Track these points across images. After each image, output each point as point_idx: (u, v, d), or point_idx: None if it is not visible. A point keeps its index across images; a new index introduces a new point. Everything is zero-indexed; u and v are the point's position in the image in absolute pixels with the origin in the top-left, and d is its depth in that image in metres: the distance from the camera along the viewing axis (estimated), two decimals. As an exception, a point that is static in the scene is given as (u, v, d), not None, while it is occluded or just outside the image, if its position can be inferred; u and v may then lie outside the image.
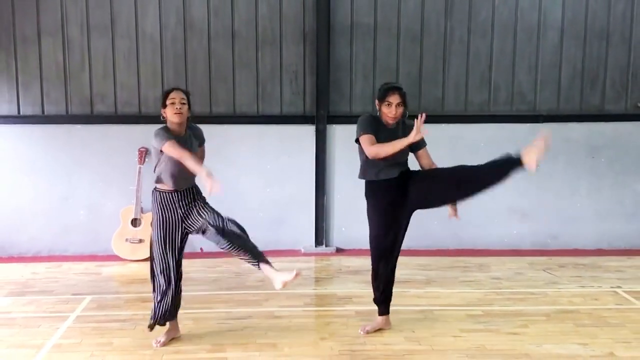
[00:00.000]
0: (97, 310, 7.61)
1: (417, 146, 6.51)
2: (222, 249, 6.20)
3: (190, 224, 6.21)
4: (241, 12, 10.26)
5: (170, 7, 10.16)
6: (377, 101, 6.49)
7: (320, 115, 10.38)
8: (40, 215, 10.35)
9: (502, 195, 10.47)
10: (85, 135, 10.28)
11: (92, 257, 10.20)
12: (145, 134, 10.09)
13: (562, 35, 10.56)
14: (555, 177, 10.71)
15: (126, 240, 9.99)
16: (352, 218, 10.46)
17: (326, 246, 10.66)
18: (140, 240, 9.94)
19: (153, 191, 6.29)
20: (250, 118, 10.29)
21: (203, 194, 6.28)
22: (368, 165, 6.53)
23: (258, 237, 10.45)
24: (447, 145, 9.90)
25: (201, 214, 6.19)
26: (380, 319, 6.85)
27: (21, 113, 10.19)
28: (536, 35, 10.55)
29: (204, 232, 6.20)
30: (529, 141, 10.44)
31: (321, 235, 10.65)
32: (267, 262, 6.23)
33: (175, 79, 10.25)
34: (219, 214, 6.20)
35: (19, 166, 10.25)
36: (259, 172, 10.40)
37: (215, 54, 10.30)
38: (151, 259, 6.34)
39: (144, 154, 10.08)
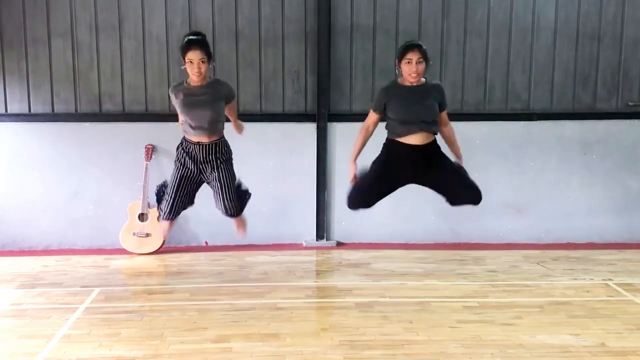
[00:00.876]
0: (105, 302, 7.61)
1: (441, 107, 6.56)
2: None
3: (206, 178, 6.53)
4: (245, 13, 10.25)
5: (176, 8, 10.15)
6: (396, 61, 6.46)
7: (321, 113, 10.37)
8: (50, 210, 10.34)
9: (497, 190, 10.54)
10: (94, 132, 10.27)
11: (100, 251, 10.20)
12: (152, 132, 10.20)
13: (555, 36, 10.54)
14: (548, 173, 10.70)
15: (133, 234, 9.99)
16: (352, 213, 10.45)
17: (327, 240, 10.65)
18: (147, 234, 9.94)
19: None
20: (253, 116, 10.27)
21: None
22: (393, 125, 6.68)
23: (261, 231, 10.55)
24: (444, 143, 9.86)
25: (217, 181, 6.45)
26: None
27: (32, 111, 10.18)
28: (530, 36, 10.53)
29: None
30: (523, 139, 10.51)
31: (322, 229, 10.64)
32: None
33: (181, 78, 10.18)
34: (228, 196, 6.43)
35: (30, 162, 10.24)
36: (261, 168, 10.39)
37: (220, 54, 10.28)
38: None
39: (150, 150, 10.08)
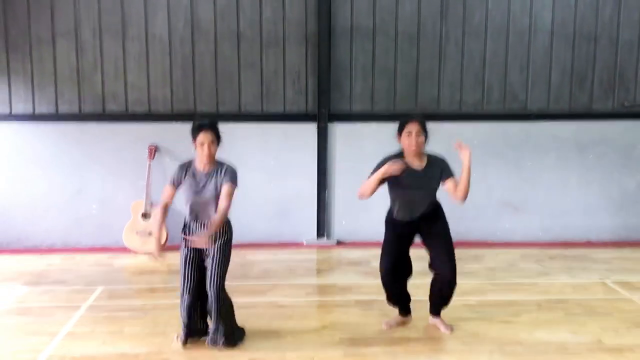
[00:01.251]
0: (109, 300, 7.60)
1: (443, 179, 6.40)
2: None
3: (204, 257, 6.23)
4: (246, 15, 10.24)
5: (179, 10, 10.14)
6: (397, 134, 6.32)
7: (322, 113, 10.36)
8: (54, 209, 10.34)
9: (496, 190, 10.55)
10: (97, 132, 10.27)
11: (104, 249, 10.19)
12: (155, 132, 10.20)
13: (552, 38, 10.53)
14: (545, 173, 10.70)
15: (136, 233, 9.98)
16: (353, 212, 10.49)
17: (327, 238, 10.64)
18: (150, 233, 9.93)
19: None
20: (254, 116, 10.27)
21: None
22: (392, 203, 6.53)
23: (262, 230, 10.56)
24: (443, 143, 9.79)
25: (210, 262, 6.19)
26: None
27: (36, 112, 10.18)
28: (527, 37, 10.52)
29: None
30: (521, 139, 10.50)
31: (323, 228, 10.64)
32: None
33: (183, 80, 10.23)
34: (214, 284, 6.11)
35: (34, 162, 10.24)
36: (263, 168, 10.39)
37: (222, 55, 10.28)
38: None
39: (153, 150, 10.08)
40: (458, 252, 9.89)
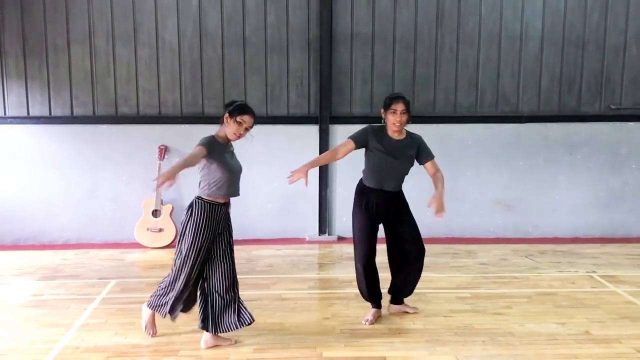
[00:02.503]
0: (121, 293, 7.59)
1: (422, 159, 6.47)
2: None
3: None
4: (252, 22, 10.23)
5: (188, 17, 10.14)
6: (382, 111, 6.40)
7: (324, 116, 10.35)
8: (69, 207, 10.34)
9: (489, 189, 10.55)
10: (110, 134, 10.26)
11: (117, 245, 10.19)
12: (165, 133, 10.21)
13: (542, 44, 10.52)
14: (536, 173, 10.69)
15: (147, 229, 9.97)
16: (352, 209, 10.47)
17: (329, 235, 10.64)
18: (161, 230, 9.93)
19: (196, 200, 5.78)
20: (259, 119, 10.10)
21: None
22: (369, 172, 6.56)
23: (267, 227, 10.56)
24: (439, 144, 9.82)
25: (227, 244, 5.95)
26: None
27: (52, 114, 10.18)
28: (519, 43, 10.51)
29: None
30: (512, 140, 10.50)
31: (324, 224, 10.63)
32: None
33: (192, 83, 10.23)
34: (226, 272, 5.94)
35: (50, 162, 10.24)
36: (267, 168, 10.37)
37: (228, 60, 10.28)
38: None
39: (163, 151, 10.07)
40: (453, 248, 9.96)
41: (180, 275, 5.77)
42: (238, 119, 5.86)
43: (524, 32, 10.49)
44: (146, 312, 6.14)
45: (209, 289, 5.87)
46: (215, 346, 5.88)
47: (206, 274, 5.89)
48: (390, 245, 6.71)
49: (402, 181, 6.57)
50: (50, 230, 10.35)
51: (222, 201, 5.79)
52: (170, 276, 5.87)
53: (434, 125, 10.33)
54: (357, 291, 6.77)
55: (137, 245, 10.02)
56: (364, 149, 6.49)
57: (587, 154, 10.73)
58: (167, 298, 5.91)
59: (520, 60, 10.55)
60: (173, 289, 5.85)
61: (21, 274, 8.56)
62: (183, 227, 5.75)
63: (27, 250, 9.93)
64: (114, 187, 10.36)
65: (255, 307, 6.90)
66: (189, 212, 5.73)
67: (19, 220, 10.29)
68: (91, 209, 10.38)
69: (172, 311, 5.95)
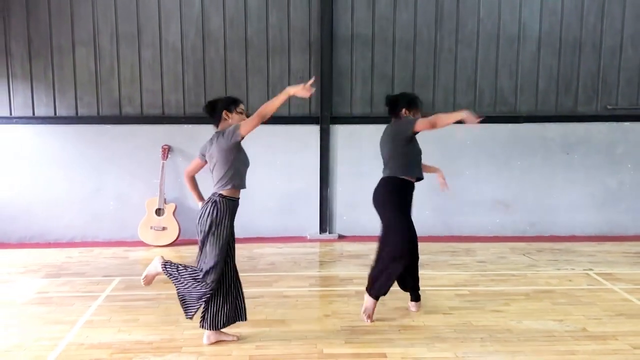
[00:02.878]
0: (125, 291, 7.59)
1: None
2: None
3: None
4: (253, 23, 10.23)
5: (191, 19, 10.14)
6: (411, 110, 6.41)
7: (324, 116, 10.35)
8: (74, 206, 10.34)
9: (487, 188, 10.54)
10: (115, 134, 10.27)
11: (121, 243, 10.19)
12: (168, 133, 10.21)
13: (539, 45, 10.51)
14: (533, 172, 10.68)
15: (151, 227, 9.97)
16: (353, 208, 10.48)
17: (329, 233, 10.64)
18: (164, 228, 9.92)
19: (219, 199, 5.64)
20: (261, 119, 10.25)
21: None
22: (413, 163, 6.46)
23: (269, 225, 10.55)
24: (438, 144, 9.87)
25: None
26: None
27: (57, 114, 10.18)
28: (516, 45, 10.50)
29: None
30: (510, 140, 10.48)
31: (325, 223, 10.63)
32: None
33: (195, 84, 10.23)
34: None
35: (55, 162, 10.25)
36: (269, 167, 10.38)
37: (231, 61, 10.28)
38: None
39: (166, 151, 10.07)
40: (452, 246, 9.96)
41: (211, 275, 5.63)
42: (238, 109, 5.95)
43: (522, 33, 10.49)
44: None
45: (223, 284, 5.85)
46: (218, 342, 5.88)
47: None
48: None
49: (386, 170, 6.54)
50: (55, 228, 10.35)
51: (239, 196, 5.78)
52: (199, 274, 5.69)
53: (433, 125, 10.33)
54: (358, 289, 6.74)
55: (140, 244, 10.02)
56: (405, 142, 6.35)
57: (584, 153, 10.73)
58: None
59: (518, 61, 10.55)
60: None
61: (26, 271, 8.55)
62: (209, 226, 5.57)
63: (32, 248, 9.93)
64: (118, 186, 10.36)
65: (257, 304, 6.91)
66: (213, 209, 5.58)
67: (24, 219, 10.30)
68: (95, 208, 10.38)
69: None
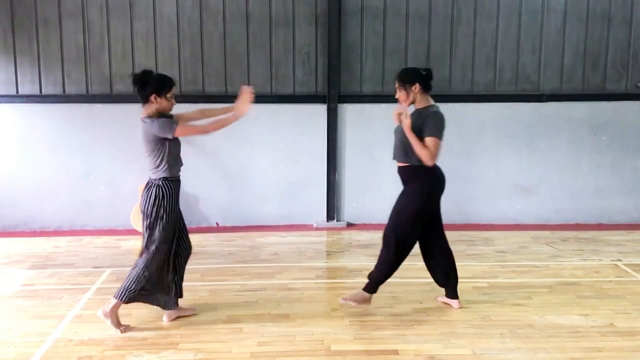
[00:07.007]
0: (117, 283, 7.56)
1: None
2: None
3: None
4: (255, -5, 10.24)
5: (186, -10, 10.14)
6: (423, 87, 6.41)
7: (332, 94, 10.34)
8: (61, 191, 10.36)
9: (507, 171, 10.51)
10: (105, 114, 10.26)
11: (112, 232, 10.22)
12: (163, 113, 10.15)
13: (564, 18, 10.47)
14: (558, 155, 10.66)
15: (145, 215, 10.00)
16: (362, 193, 10.48)
17: (337, 221, 10.65)
18: (158, 215, 9.95)
19: (163, 182, 6.03)
20: (264, 97, 10.23)
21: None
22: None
23: (272, 212, 10.55)
24: (455, 124, 9.82)
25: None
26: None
27: (43, 92, 10.18)
28: (540, 17, 10.46)
29: None
30: (533, 120, 10.45)
31: (332, 210, 10.63)
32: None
33: (191, 60, 10.21)
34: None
35: (41, 144, 10.25)
36: (272, 150, 10.38)
37: (230, 35, 10.26)
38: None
39: (161, 132, 10.08)
40: (468, 235, 9.96)
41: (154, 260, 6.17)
42: (169, 95, 6.02)
43: (546, 5, 10.44)
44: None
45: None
46: (177, 318, 6.25)
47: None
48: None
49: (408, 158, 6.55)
50: (42, 216, 10.38)
51: (179, 173, 6.12)
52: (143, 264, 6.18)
53: (450, 104, 10.20)
54: (367, 281, 6.72)
55: (133, 232, 10.03)
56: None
57: (612, 135, 10.70)
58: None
59: (542, 35, 10.51)
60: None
61: (10, 262, 8.58)
62: (153, 211, 6.00)
63: (17, 237, 9.97)
64: (109, 170, 10.37)
65: (259, 297, 6.93)
66: (157, 194, 5.97)
67: (8, 205, 10.32)
68: (85, 194, 10.40)
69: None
